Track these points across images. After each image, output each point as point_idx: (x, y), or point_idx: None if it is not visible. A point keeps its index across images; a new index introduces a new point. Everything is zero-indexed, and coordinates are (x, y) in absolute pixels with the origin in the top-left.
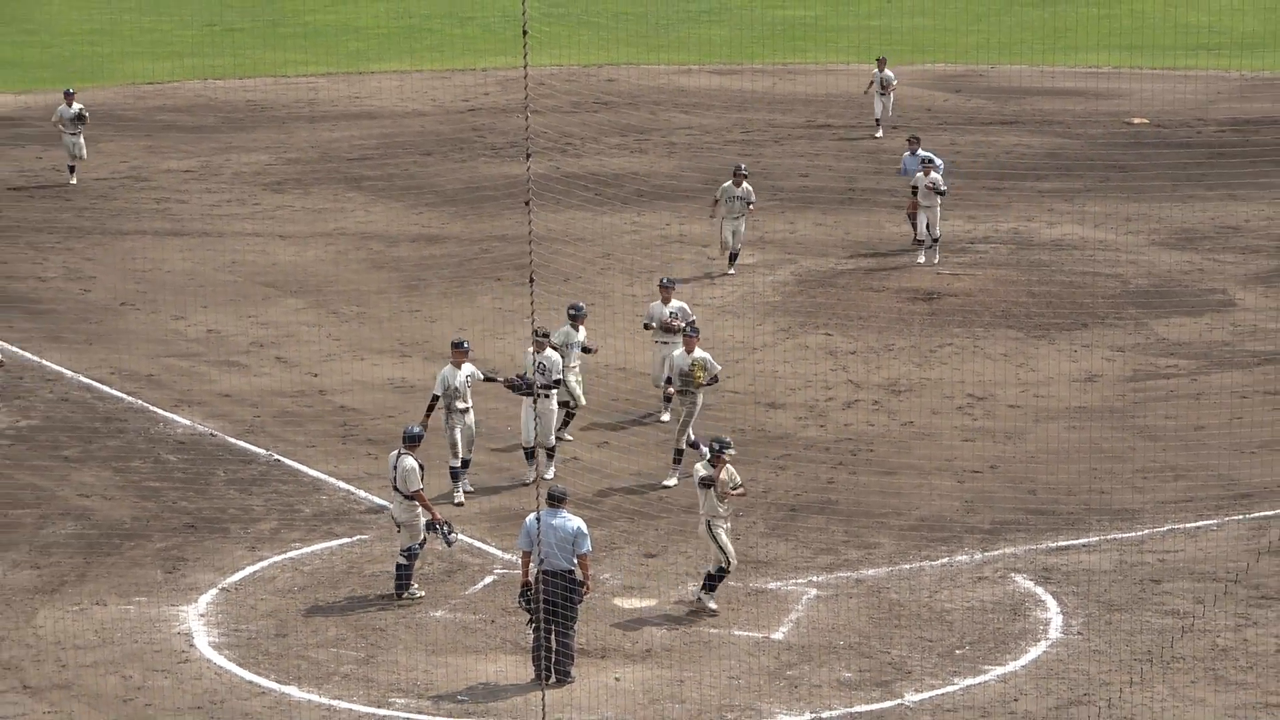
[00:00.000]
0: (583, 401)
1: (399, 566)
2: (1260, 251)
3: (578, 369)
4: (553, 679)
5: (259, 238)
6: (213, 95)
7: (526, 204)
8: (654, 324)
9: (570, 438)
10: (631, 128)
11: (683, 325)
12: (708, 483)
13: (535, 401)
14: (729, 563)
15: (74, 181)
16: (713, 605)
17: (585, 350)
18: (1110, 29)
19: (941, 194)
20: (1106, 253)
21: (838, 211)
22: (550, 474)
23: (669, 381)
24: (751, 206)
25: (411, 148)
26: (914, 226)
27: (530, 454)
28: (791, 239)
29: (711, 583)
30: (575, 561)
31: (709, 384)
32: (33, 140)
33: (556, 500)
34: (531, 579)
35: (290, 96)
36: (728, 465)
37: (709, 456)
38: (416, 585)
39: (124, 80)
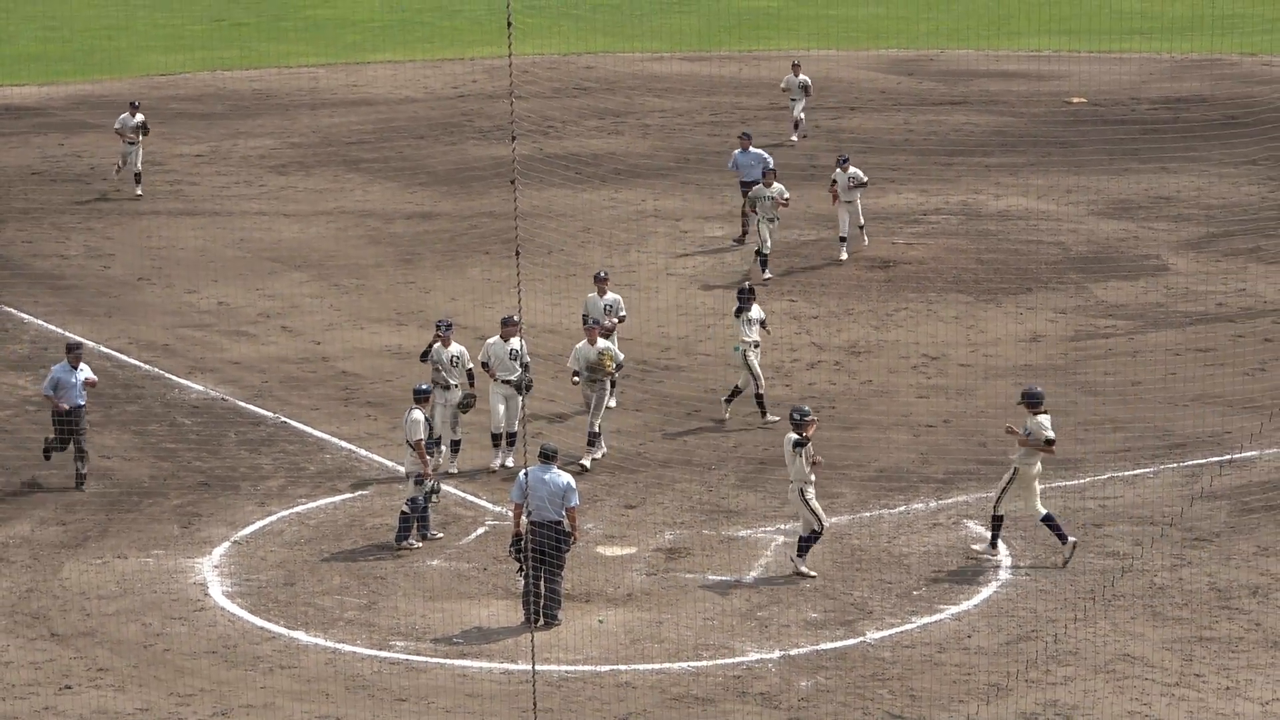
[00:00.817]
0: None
1: (402, 515)
2: (1191, 220)
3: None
4: (541, 622)
5: (265, 216)
6: (221, 85)
7: (512, 183)
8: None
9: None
10: (609, 111)
11: (614, 321)
12: (802, 444)
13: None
14: (820, 525)
15: (139, 192)
16: (806, 570)
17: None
18: (1051, 15)
19: (864, 185)
20: (1049, 222)
21: (800, 186)
22: (510, 461)
23: (576, 374)
24: (785, 203)
25: (405, 132)
26: (746, 229)
27: (497, 440)
28: None
29: (804, 545)
30: (564, 514)
31: (616, 370)
32: (55, 129)
33: (548, 457)
34: (523, 530)
35: (293, 85)
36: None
37: (796, 422)
38: (415, 538)
39: (139, 72)
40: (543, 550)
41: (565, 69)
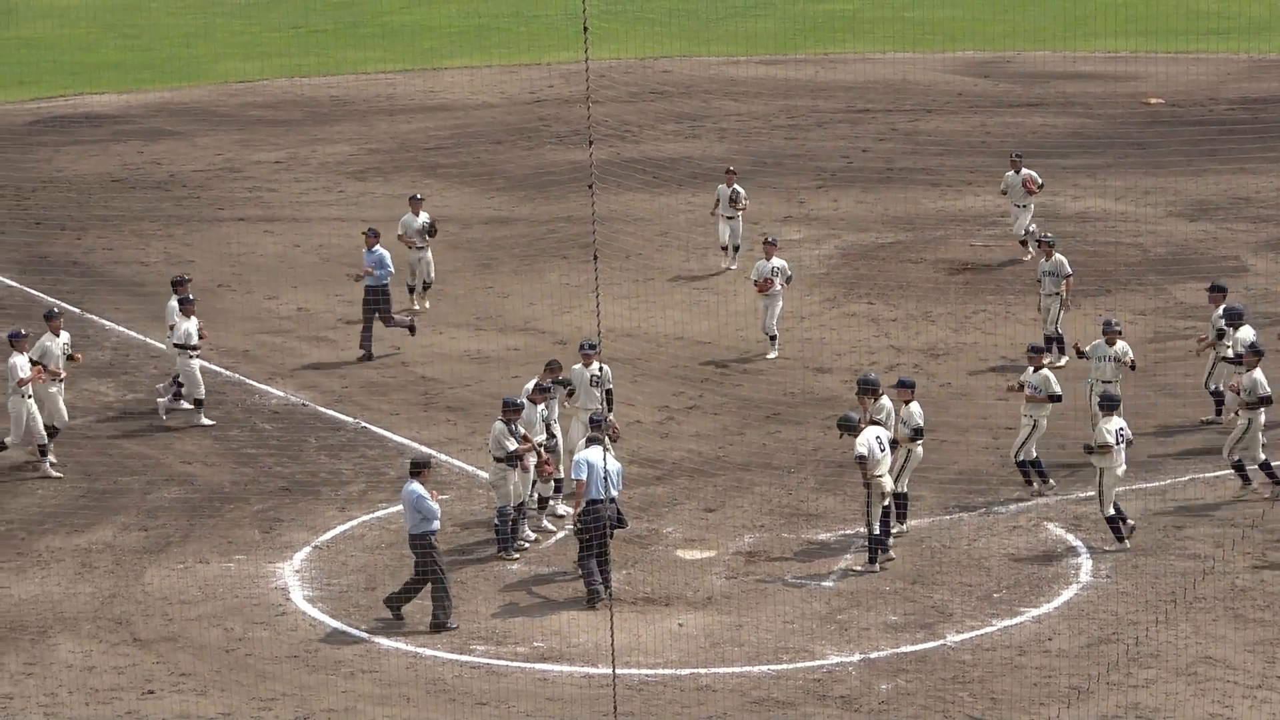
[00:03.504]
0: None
1: (495, 528)
2: (1270, 220)
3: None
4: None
5: (343, 222)
6: (299, 92)
7: (590, 187)
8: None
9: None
10: (685, 115)
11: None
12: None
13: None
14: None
15: (425, 306)
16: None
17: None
18: (1127, 16)
19: (788, 280)
20: (1127, 224)
21: (877, 190)
22: (529, 531)
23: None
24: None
25: (482, 137)
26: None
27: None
28: (835, 216)
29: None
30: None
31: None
32: (134, 136)
33: (598, 441)
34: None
35: (370, 92)
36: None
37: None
38: (512, 548)
39: (217, 79)
40: (614, 525)
41: (641, 73)
